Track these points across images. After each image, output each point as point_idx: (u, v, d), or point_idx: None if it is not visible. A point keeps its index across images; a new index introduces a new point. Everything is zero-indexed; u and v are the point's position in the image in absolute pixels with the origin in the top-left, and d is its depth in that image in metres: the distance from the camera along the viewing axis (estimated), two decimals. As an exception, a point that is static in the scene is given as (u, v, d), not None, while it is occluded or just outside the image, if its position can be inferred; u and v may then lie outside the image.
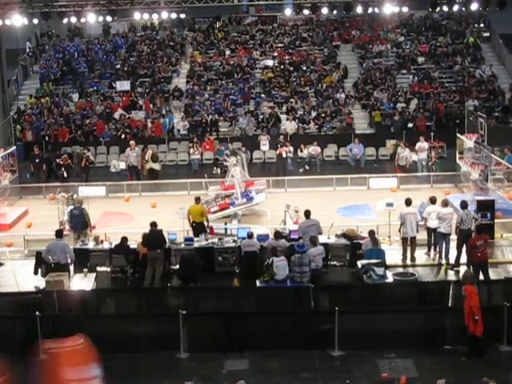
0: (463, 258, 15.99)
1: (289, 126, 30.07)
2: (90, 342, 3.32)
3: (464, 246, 16.02)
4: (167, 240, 16.87)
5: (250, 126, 30.71)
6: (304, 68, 34.62)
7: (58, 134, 30.35)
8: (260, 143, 28.40)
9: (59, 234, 15.99)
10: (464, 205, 16.59)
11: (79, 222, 18.07)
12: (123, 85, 33.36)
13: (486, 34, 36.70)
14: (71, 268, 15.93)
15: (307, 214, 16.83)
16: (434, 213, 16.84)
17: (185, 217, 18.03)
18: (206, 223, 18.02)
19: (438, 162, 25.89)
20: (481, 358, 12.13)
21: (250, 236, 16.56)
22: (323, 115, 31.21)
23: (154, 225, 16.29)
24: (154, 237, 16.11)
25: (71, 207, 18.76)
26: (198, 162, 27.85)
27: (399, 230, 16.94)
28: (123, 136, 29.99)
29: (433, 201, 17.38)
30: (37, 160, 26.64)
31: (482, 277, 14.86)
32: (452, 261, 16.53)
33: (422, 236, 17.23)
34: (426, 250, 17.29)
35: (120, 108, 31.95)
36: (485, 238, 15.35)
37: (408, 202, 17.08)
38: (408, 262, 16.83)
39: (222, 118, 31.50)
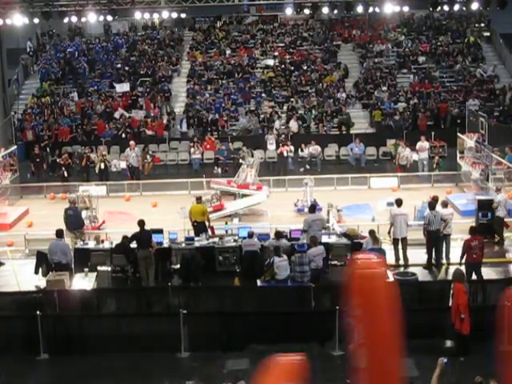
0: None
1: (292, 125, 30.07)
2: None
3: (436, 246, 16.47)
4: (168, 239, 16.95)
5: (250, 125, 30.70)
6: (305, 67, 34.61)
7: (59, 134, 30.35)
8: (267, 142, 28.36)
9: (60, 234, 16.00)
10: (432, 206, 16.64)
11: (74, 221, 18.13)
12: (123, 87, 33.29)
13: (487, 34, 36.71)
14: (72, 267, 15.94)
15: (312, 208, 17.11)
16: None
17: (186, 216, 18.03)
18: (207, 223, 18.03)
19: (441, 161, 25.75)
20: (465, 356, 12.16)
21: (251, 235, 16.56)
22: (324, 114, 31.21)
23: (141, 224, 16.29)
24: (140, 236, 16.13)
25: (66, 207, 18.80)
26: (199, 162, 27.87)
27: (388, 232, 16.92)
28: (124, 135, 30.01)
29: (435, 200, 17.45)
30: (37, 160, 26.64)
31: (474, 277, 14.92)
32: (452, 261, 16.55)
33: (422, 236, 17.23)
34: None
35: (120, 107, 31.95)
36: (479, 238, 15.35)
37: (399, 203, 17.09)
38: (401, 262, 16.78)
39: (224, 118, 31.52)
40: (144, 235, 16.17)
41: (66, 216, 18.17)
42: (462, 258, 15.26)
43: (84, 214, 19.46)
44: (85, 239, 17.64)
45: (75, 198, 19.79)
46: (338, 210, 19.52)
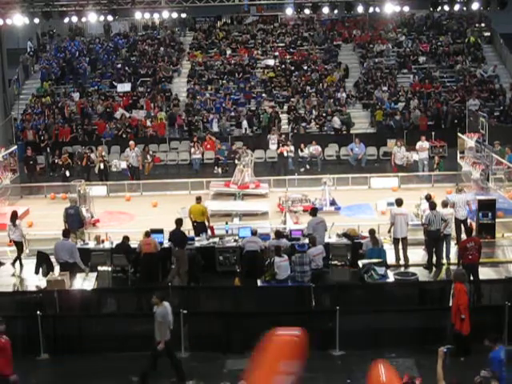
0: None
1: (335, 121, 30.36)
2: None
3: (436, 246, 16.45)
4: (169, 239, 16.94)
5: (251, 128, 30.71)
6: (305, 67, 34.62)
7: (59, 134, 30.34)
8: (269, 142, 28.33)
9: (66, 233, 15.96)
10: (432, 206, 16.64)
11: (75, 220, 18.15)
12: (124, 86, 33.32)
13: (487, 34, 36.71)
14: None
15: (314, 211, 17.08)
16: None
17: (186, 216, 18.03)
18: (207, 223, 18.02)
19: (441, 162, 25.70)
20: (466, 356, 12.14)
21: (254, 233, 16.53)
22: (324, 114, 31.22)
23: (177, 223, 16.33)
24: (175, 235, 16.18)
25: (66, 206, 18.80)
26: (199, 162, 27.86)
27: (389, 231, 16.94)
28: (124, 135, 30.01)
29: (427, 198, 17.48)
30: (30, 162, 26.49)
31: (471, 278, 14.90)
32: (452, 261, 16.56)
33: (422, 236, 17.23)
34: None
35: (121, 107, 31.95)
36: (475, 240, 15.32)
37: (399, 203, 17.09)
38: (401, 262, 16.77)
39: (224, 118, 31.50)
40: (174, 235, 16.17)
41: (67, 215, 18.18)
42: (459, 259, 15.25)
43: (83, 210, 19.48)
44: (85, 239, 17.65)
45: (76, 197, 19.87)
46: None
